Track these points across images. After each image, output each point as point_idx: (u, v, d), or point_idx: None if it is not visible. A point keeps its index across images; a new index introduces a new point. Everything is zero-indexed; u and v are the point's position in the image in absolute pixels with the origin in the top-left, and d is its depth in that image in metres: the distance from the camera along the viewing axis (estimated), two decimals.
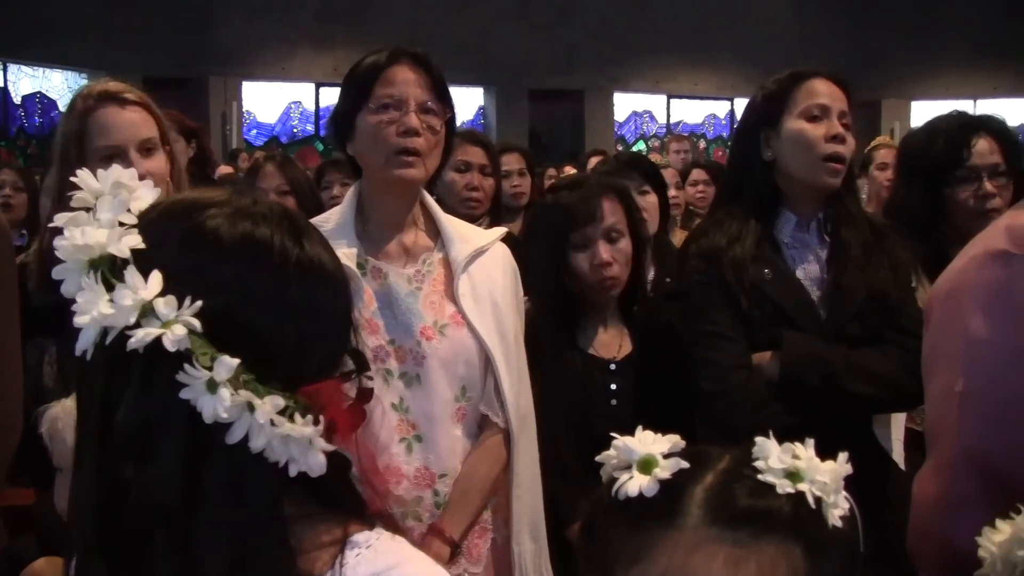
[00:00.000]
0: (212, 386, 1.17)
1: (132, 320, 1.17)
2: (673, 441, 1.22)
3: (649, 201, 3.85)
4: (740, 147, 2.94)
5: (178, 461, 1.18)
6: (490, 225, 4.00)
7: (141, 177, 2.48)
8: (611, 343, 2.96)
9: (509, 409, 2.48)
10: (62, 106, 14.21)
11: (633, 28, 17.18)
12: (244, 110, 15.94)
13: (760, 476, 1.16)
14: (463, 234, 2.59)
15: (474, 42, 15.74)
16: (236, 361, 1.17)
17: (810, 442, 1.21)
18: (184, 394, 1.17)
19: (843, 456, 1.20)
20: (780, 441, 1.23)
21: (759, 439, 1.19)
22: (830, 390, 2.62)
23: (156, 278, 1.18)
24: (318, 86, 16.39)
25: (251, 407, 1.18)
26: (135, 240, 1.21)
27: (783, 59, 14.34)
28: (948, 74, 17.91)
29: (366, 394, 1.32)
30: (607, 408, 2.86)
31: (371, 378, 1.35)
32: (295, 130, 16.58)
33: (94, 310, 1.18)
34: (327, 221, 2.53)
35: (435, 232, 2.59)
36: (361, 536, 1.27)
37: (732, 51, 16.91)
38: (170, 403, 1.18)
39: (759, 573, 1.13)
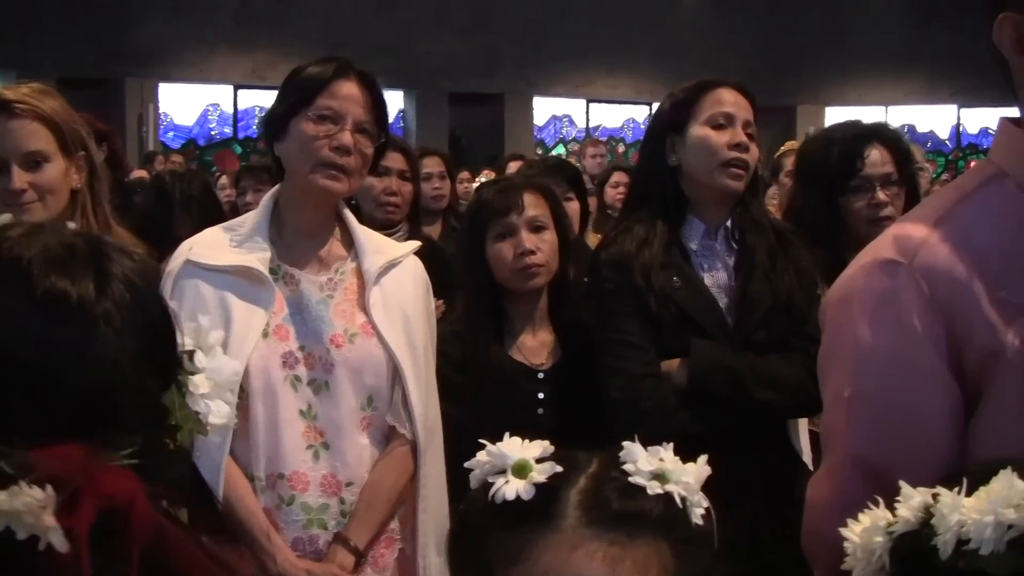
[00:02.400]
0: None
1: None
2: (543, 446, 1.25)
3: (572, 207, 3.87)
4: (646, 153, 2.98)
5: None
6: (410, 230, 4.04)
7: (21, 191, 2.45)
8: (539, 350, 2.94)
9: (416, 421, 2.49)
10: None
11: (553, 33, 17.26)
12: (161, 112, 15.75)
13: (630, 478, 1.19)
14: (377, 245, 2.60)
15: (394, 45, 15.70)
16: None
17: (669, 446, 1.24)
18: None
19: (703, 458, 1.24)
20: (690, 447, 1.27)
21: (626, 443, 1.22)
22: (737, 397, 2.66)
23: None
24: (236, 88, 16.25)
25: None
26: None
27: (701, 64, 14.48)
28: (861, 81, 18.24)
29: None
30: (534, 418, 2.84)
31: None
32: (213, 132, 16.43)
33: None
34: (241, 225, 2.53)
35: (349, 242, 2.59)
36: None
37: (651, 56, 17.06)
38: None
39: (635, 570, 1.16)
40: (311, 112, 2.45)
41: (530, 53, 17.29)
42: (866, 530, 1.27)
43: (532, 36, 17.23)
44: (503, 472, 1.23)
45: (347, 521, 2.43)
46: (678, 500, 1.19)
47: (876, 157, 3.21)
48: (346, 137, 2.43)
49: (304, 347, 2.44)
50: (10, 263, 1.17)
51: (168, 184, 4.58)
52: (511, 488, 1.21)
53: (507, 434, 1.27)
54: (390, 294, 2.53)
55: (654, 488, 1.19)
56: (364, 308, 2.50)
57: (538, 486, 1.21)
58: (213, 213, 4.38)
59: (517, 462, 1.23)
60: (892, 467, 1.52)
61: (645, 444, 1.25)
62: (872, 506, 1.30)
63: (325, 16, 15.38)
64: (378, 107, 2.53)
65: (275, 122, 2.53)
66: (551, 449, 1.25)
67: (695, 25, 17.82)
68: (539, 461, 1.23)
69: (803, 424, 2.95)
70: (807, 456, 2.92)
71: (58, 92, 2.73)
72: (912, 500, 1.24)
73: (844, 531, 1.29)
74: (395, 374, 2.49)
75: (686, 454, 1.26)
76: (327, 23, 15.13)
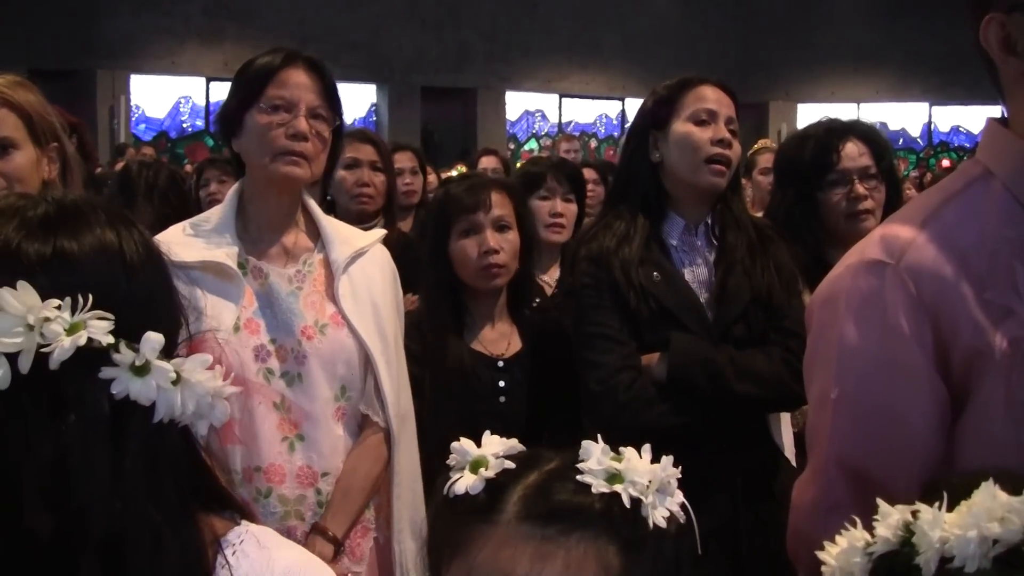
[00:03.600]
0: (141, 369, 1.16)
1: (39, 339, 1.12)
2: (510, 445, 1.26)
3: (571, 209, 3.85)
4: (629, 149, 2.98)
5: (106, 481, 1.15)
6: (386, 224, 4.03)
7: None
8: (499, 341, 2.96)
9: (389, 408, 2.50)
10: None
11: (523, 28, 17.28)
12: (132, 104, 15.66)
13: (579, 477, 1.19)
14: (343, 236, 2.60)
15: (364, 39, 15.68)
16: (160, 335, 1.17)
17: (646, 448, 1.24)
18: (115, 388, 1.14)
19: (668, 459, 1.23)
20: (669, 440, 1.27)
21: (585, 442, 1.22)
22: (716, 390, 2.67)
23: (29, 289, 1.13)
24: (208, 80, 16.19)
25: (177, 375, 1.17)
26: None
27: (673, 61, 14.51)
28: (833, 78, 18.34)
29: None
30: (495, 406, 2.86)
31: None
32: (184, 125, 16.36)
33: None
34: (207, 221, 2.53)
35: (316, 233, 2.59)
36: (232, 534, 1.28)
37: (622, 52, 17.10)
38: (88, 416, 1.14)
39: (566, 568, 1.16)
40: (263, 103, 2.45)
41: (500, 48, 17.30)
42: (844, 552, 1.23)
43: (502, 31, 17.25)
44: (463, 467, 1.25)
45: (323, 511, 2.44)
46: (626, 500, 1.18)
47: (852, 150, 3.22)
48: (301, 123, 2.44)
49: (275, 340, 2.44)
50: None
51: (134, 173, 4.57)
52: (461, 483, 1.23)
53: (487, 432, 1.29)
54: (358, 284, 2.54)
55: (599, 487, 1.18)
56: (333, 299, 2.50)
57: (488, 481, 1.22)
58: (177, 205, 4.35)
59: (475, 458, 1.24)
60: (876, 469, 1.53)
61: (622, 437, 1.26)
62: (852, 514, 1.28)
63: (295, 10, 15.35)
64: (329, 92, 2.53)
65: (229, 118, 2.53)
66: (517, 448, 1.27)
67: (665, 21, 17.86)
68: (498, 458, 1.24)
69: (785, 419, 2.97)
70: (789, 451, 2.94)
71: (32, 85, 2.73)
72: (891, 518, 1.20)
73: (821, 554, 1.27)
74: (367, 363, 2.50)
75: (664, 449, 1.27)
76: (297, 17, 15.10)
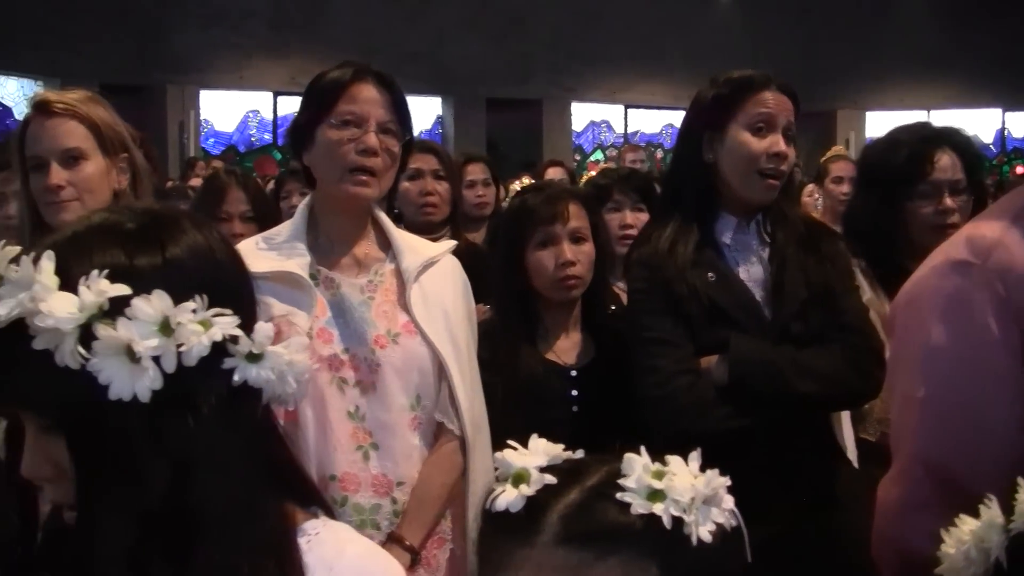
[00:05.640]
0: (256, 357, 1.24)
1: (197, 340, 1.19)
2: (552, 454, 1.24)
3: (641, 219, 3.79)
4: (683, 146, 2.94)
5: (238, 471, 1.23)
6: (452, 234, 4.03)
7: (58, 188, 2.48)
8: (572, 350, 2.95)
9: (464, 416, 2.50)
10: (17, 114, 14.08)
11: (586, 39, 17.24)
12: (201, 118, 15.83)
13: (619, 495, 1.17)
14: (413, 246, 2.61)
15: (427, 51, 15.75)
16: (269, 324, 1.25)
17: (693, 455, 1.21)
18: (237, 376, 1.22)
19: (713, 472, 1.20)
20: (729, 444, 1.25)
21: (627, 455, 1.20)
22: (777, 391, 2.62)
23: (164, 296, 1.19)
24: (276, 95, 16.32)
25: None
26: (119, 287, 1.19)
27: (738, 70, 14.35)
28: (901, 85, 18.12)
29: None
30: (568, 415, 2.85)
31: None
32: (253, 139, 16.50)
33: (155, 350, 1.17)
34: (278, 234, 2.55)
35: (386, 244, 2.60)
36: (308, 524, 1.33)
37: (686, 62, 16.99)
38: (217, 406, 1.22)
39: None
40: (333, 118, 2.46)
41: (564, 59, 17.28)
42: (979, 530, 1.22)
43: (565, 42, 17.23)
44: (507, 479, 1.24)
45: (400, 520, 2.44)
46: (667, 521, 1.15)
47: (946, 162, 3.10)
48: (371, 139, 2.44)
49: (348, 349, 2.44)
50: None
51: (223, 176, 4.64)
52: (503, 499, 1.22)
53: (534, 435, 1.28)
54: (429, 292, 2.54)
55: (639, 507, 1.16)
56: (405, 307, 2.51)
57: (529, 498, 1.21)
58: (265, 209, 4.41)
59: (516, 471, 1.23)
60: (961, 468, 1.50)
61: (681, 442, 1.24)
62: (937, 513, 1.25)
63: (358, 22, 15.43)
64: (399, 106, 2.54)
65: (300, 132, 2.55)
66: (561, 456, 1.25)
67: (729, 30, 17.76)
68: (543, 470, 1.23)
69: (847, 421, 2.92)
70: (852, 453, 2.89)
71: (102, 99, 2.77)
72: None
73: (946, 535, 1.25)
74: (440, 371, 2.50)
75: (724, 453, 1.24)
76: (361, 30, 15.18)
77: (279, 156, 16.09)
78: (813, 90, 14.55)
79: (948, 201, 3.07)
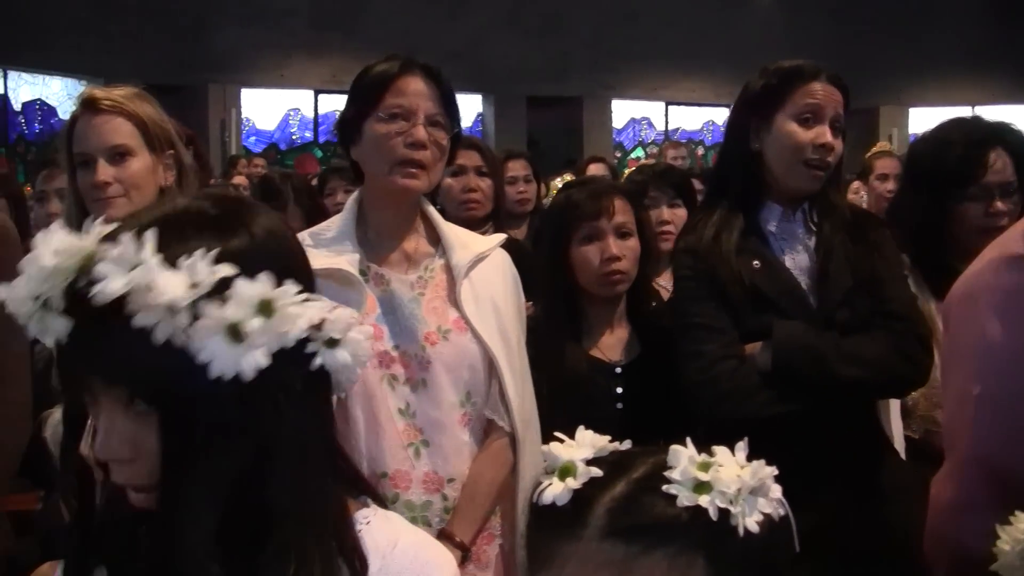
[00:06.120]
0: (335, 342, 1.26)
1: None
2: (598, 447, 1.23)
3: (678, 214, 3.81)
4: (730, 136, 2.94)
5: (313, 456, 1.26)
6: (495, 230, 4.03)
7: (105, 184, 2.50)
8: (617, 347, 2.95)
9: (514, 413, 2.49)
10: (62, 113, 14.22)
11: (626, 36, 17.18)
12: (243, 117, 15.91)
13: (665, 487, 1.17)
14: (463, 240, 2.60)
15: (467, 49, 15.73)
16: (351, 309, 1.29)
17: (740, 445, 1.21)
18: (318, 361, 1.25)
19: (759, 462, 1.20)
20: (772, 431, 1.24)
21: (673, 446, 1.19)
22: (821, 376, 2.61)
23: (269, 279, 1.21)
24: (316, 93, 16.38)
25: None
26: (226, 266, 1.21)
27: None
28: (945, 81, 17.93)
29: None
30: (612, 412, 2.85)
31: None
32: (294, 137, 16.56)
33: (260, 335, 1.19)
34: (328, 229, 2.54)
35: (435, 239, 2.59)
36: (360, 513, 1.35)
37: (726, 58, 16.87)
38: (301, 390, 1.25)
39: None
40: (381, 112, 2.46)
41: (604, 56, 17.23)
42: None
43: (605, 40, 17.17)
44: (554, 472, 1.24)
45: (450, 517, 2.44)
46: (713, 513, 1.15)
47: (998, 163, 3.02)
48: (419, 132, 2.44)
49: (398, 346, 2.44)
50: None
51: (278, 182, 4.75)
52: (549, 493, 1.22)
53: (580, 427, 1.28)
54: (480, 288, 2.54)
55: (685, 499, 1.16)
56: (455, 304, 2.50)
57: (575, 492, 1.21)
58: (315, 207, 4.48)
59: (563, 464, 1.23)
60: (1017, 468, 1.49)
61: (724, 427, 1.23)
62: (990, 512, 1.24)
63: (398, 21, 15.44)
64: (446, 99, 2.53)
65: (348, 126, 2.55)
66: (608, 448, 1.25)
67: (770, 26, 17.62)
68: (590, 462, 1.22)
69: (895, 410, 2.90)
70: (899, 443, 2.87)
71: (149, 96, 2.79)
72: None
73: (1001, 531, 1.24)
74: (491, 367, 2.49)
75: (767, 440, 1.24)
76: (401, 28, 15.18)
77: (320, 154, 16.15)
78: (855, 86, 14.29)
79: (999, 204, 3.01)
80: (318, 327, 1.24)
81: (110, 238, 1.19)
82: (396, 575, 1.30)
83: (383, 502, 1.44)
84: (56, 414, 2.34)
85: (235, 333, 1.17)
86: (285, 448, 1.23)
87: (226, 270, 1.18)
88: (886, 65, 17.49)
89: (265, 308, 1.19)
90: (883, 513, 2.65)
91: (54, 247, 1.17)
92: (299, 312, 1.21)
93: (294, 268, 1.28)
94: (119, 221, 1.26)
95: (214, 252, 1.19)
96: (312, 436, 1.26)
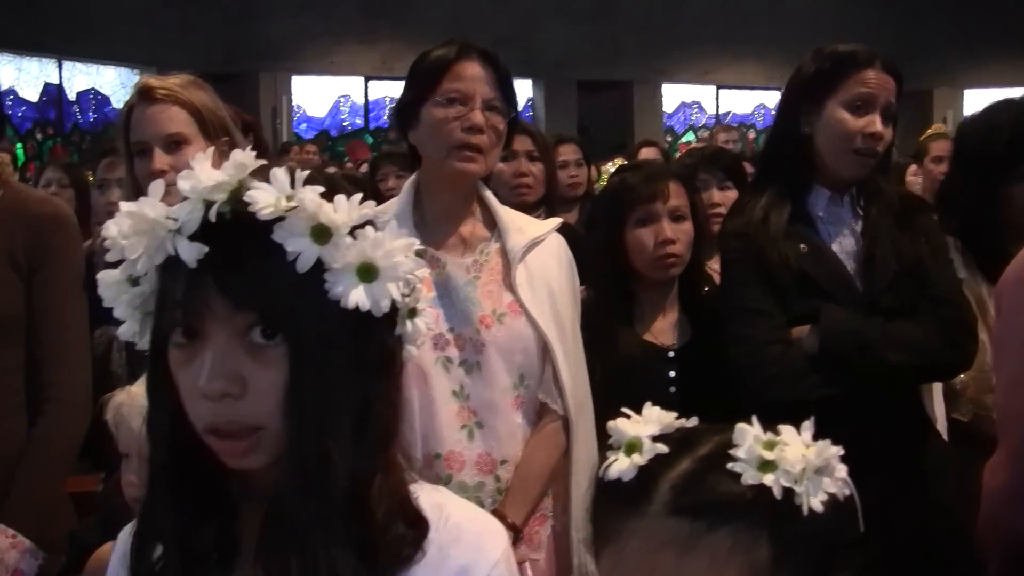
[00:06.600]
0: (414, 312, 1.32)
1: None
2: (665, 423, 1.24)
3: (729, 197, 3.76)
4: (780, 119, 2.93)
5: (392, 418, 1.30)
6: (547, 216, 4.03)
7: (161, 172, 2.53)
8: (670, 331, 2.95)
9: (567, 396, 2.50)
10: (115, 102, 14.35)
11: (675, 19, 17.08)
12: (294, 104, 15.99)
13: (730, 465, 1.17)
14: (519, 225, 2.61)
15: (517, 35, 15.70)
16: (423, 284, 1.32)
17: (806, 425, 1.21)
18: (401, 328, 1.30)
19: (824, 443, 1.19)
20: (820, 412, 1.24)
21: (739, 424, 1.19)
22: (868, 361, 2.61)
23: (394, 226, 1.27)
24: (367, 79, 16.42)
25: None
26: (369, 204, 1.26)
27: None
28: (1000, 62, 17.65)
29: None
30: (666, 396, 2.84)
31: None
32: (344, 123, 16.61)
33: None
34: (384, 212, 2.55)
35: (491, 223, 2.60)
36: (409, 488, 1.34)
37: (777, 41, 16.73)
38: (385, 356, 1.29)
39: (712, 563, 1.13)
40: (439, 96, 2.47)
41: (653, 40, 17.14)
42: None
43: (655, 23, 17.09)
44: (620, 448, 1.24)
45: (503, 498, 2.46)
46: (777, 492, 1.15)
47: None
48: (477, 116, 2.45)
49: (453, 329, 2.46)
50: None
51: (338, 176, 4.82)
52: (615, 468, 1.22)
53: (647, 403, 1.27)
54: (535, 272, 2.54)
55: (750, 478, 1.15)
56: (511, 287, 2.51)
57: (640, 468, 1.21)
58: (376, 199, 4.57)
59: (629, 440, 1.23)
60: None
61: (772, 411, 1.23)
62: None
63: (448, 7, 15.44)
64: (503, 83, 2.54)
65: (405, 111, 2.56)
66: (674, 425, 1.25)
67: (821, 8, 17.43)
68: (656, 439, 1.22)
69: (938, 394, 2.89)
70: (942, 426, 2.86)
71: (204, 83, 2.81)
72: None
73: None
74: (544, 351, 2.50)
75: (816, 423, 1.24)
76: (450, 15, 15.18)
77: (371, 140, 16.20)
78: (909, 68, 14.14)
79: None
80: (409, 293, 1.28)
81: (259, 173, 1.24)
82: (449, 544, 1.29)
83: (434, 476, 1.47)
84: (118, 396, 2.37)
85: (369, 270, 1.22)
86: (377, 404, 1.25)
87: (369, 207, 1.24)
88: (939, 46, 17.28)
89: (396, 252, 1.24)
90: (929, 496, 2.65)
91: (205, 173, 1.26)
92: (413, 266, 1.26)
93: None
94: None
95: (357, 196, 1.24)
96: (392, 398, 1.30)
